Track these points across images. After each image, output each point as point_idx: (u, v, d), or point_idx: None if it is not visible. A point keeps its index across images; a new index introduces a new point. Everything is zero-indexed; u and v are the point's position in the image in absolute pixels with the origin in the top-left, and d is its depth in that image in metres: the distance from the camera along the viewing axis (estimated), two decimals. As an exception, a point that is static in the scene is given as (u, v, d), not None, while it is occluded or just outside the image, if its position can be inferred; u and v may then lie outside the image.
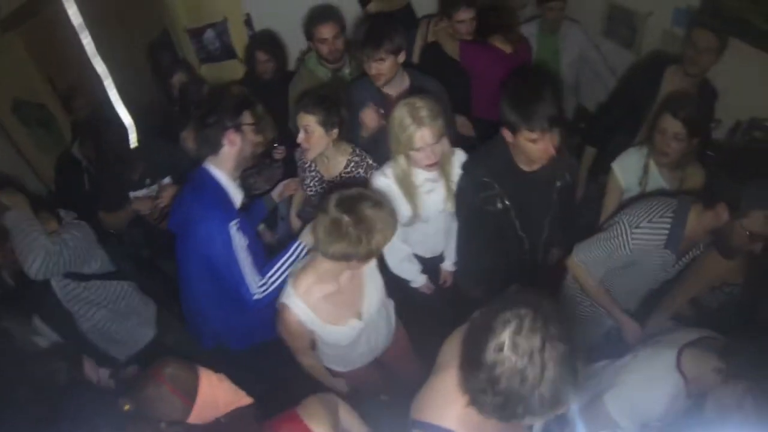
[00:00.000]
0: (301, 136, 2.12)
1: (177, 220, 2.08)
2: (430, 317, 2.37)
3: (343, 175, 2.22)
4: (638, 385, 1.54)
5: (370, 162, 2.21)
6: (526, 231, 2.03)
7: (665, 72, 2.45)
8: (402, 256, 2.24)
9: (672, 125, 1.99)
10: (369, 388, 2.21)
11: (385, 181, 2.04)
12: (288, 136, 2.63)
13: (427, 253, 2.34)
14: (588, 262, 1.93)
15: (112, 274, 2.31)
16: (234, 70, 3.46)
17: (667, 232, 1.74)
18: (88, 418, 1.44)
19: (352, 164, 2.22)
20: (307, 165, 2.34)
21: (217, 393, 1.59)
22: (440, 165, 1.97)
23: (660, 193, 2.13)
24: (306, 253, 1.98)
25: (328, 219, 1.59)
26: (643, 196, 2.10)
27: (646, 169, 2.15)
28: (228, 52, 3.45)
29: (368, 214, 1.59)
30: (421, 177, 2.03)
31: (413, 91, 2.25)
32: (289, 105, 2.69)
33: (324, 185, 2.30)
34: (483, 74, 2.64)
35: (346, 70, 2.73)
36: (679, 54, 2.43)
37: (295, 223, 2.55)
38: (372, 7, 3.04)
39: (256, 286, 1.95)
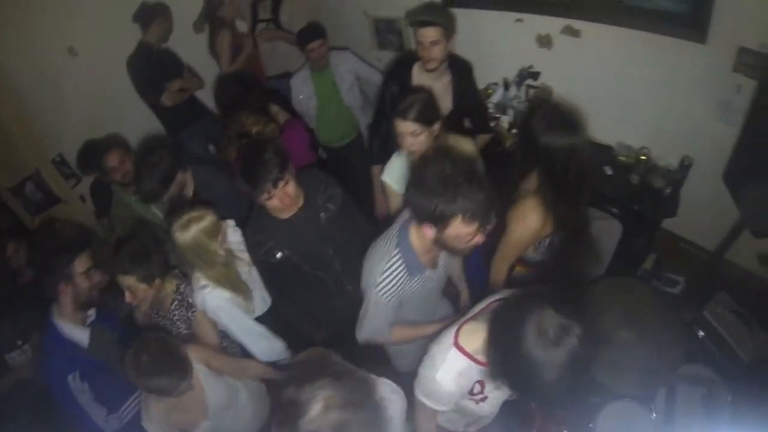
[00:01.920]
0: (127, 297, 2.12)
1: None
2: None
3: (171, 309, 2.25)
4: (425, 364, 1.49)
5: (189, 300, 2.25)
6: (319, 269, 2.15)
7: (413, 69, 2.57)
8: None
9: (406, 127, 2.07)
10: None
11: (205, 292, 2.14)
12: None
13: None
14: (369, 333, 1.86)
15: None
16: (63, 212, 3.51)
17: (403, 265, 1.68)
18: None
19: (176, 303, 2.24)
20: None
21: None
22: None
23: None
24: None
25: None
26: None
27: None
28: (52, 199, 3.51)
29: None
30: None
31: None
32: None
33: (159, 317, 2.33)
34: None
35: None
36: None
37: None
38: None
39: (104, 419, 2.14)
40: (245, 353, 2.30)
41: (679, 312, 2.78)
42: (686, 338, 2.22)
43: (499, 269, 2.07)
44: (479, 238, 1.51)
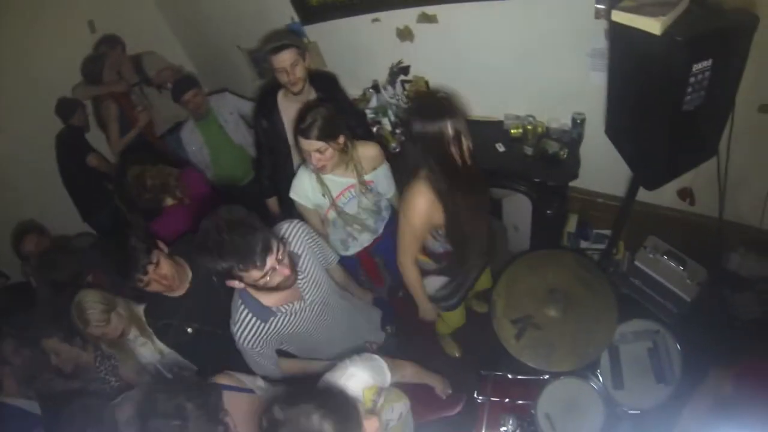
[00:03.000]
0: (53, 359, 2.24)
1: None
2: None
3: (96, 366, 2.28)
4: None
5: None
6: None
7: (278, 97, 2.48)
8: None
9: (311, 145, 2.02)
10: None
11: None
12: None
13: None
14: (261, 372, 1.80)
15: None
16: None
17: (250, 314, 1.64)
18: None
19: (98, 358, 2.27)
20: None
21: None
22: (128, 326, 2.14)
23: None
24: None
25: None
26: None
27: (320, 180, 2.17)
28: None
29: None
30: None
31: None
32: None
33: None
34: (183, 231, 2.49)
35: None
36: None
37: None
38: None
39: None
40: None
41: (608, 269, 2.72)
42: (617, 297, 2.14)
43: (403, 263, 2.05)
44: (282, 271, 1.49)
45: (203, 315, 2.01)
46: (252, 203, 3.22)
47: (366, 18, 2.68)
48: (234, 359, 2.15)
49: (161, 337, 2.11)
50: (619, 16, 1.59)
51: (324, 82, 2.48)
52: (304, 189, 2.25)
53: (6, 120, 3.33)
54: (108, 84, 3.39)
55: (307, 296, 1.74)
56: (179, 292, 1.99)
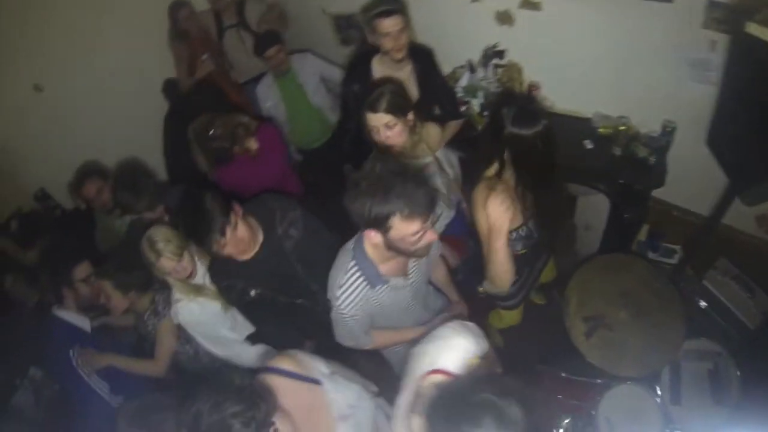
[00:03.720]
0: (102, 298, 2.27)
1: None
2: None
3: (144, 320, 2.35)
4: None
5: (159, 309, 2.32)
6: (294, 296, 2.05)
7: (372, 63, 2.48)
8: None
9: (379, 119, 2.00)
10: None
11: (178, 308, 2.21)
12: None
13: None
14: (347, 342, 1.82)
15: None
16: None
17: (362, 278, 1.60)
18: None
19: (147, 319, 2.34)
20: None
21: None
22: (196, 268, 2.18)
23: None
24: None
25: None
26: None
27: None
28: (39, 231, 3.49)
29: None
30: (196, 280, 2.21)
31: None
32: None
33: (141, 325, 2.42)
34: (245, 185, 2.53)
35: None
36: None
37: None
38: None
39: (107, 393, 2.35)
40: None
41: (678, 284, 2.67)
42: (687, 313, 2.11)
43: (498, 261, 1.86)
44: (429, 236, 1.44)
45: (268, 280, 1.98)
46: (318, 168, 3.31)
47: (465, -5, 2.65)
48: (290, 328, 2.22)
49: (224, 296, 2.14)
50: (754, 29, 1.58)
51: (421, 54, 2.45)
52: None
53: (82, 63, 3.39)
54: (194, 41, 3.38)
55: (410, 276, 1.73)
56: (247, 255, 1.92)
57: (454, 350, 1.32)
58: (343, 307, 1.61)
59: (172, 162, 3.54)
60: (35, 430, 2.69)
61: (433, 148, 2.23)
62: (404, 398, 1.35)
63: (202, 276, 2.21)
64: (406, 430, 1.31)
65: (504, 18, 2.60)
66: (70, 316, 2.40)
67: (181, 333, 2.33)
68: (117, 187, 2.61)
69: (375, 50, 2.40)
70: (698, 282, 2.60)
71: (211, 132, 2.42)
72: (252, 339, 2.34)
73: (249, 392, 1.18)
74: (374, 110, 2.00)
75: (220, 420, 1.12)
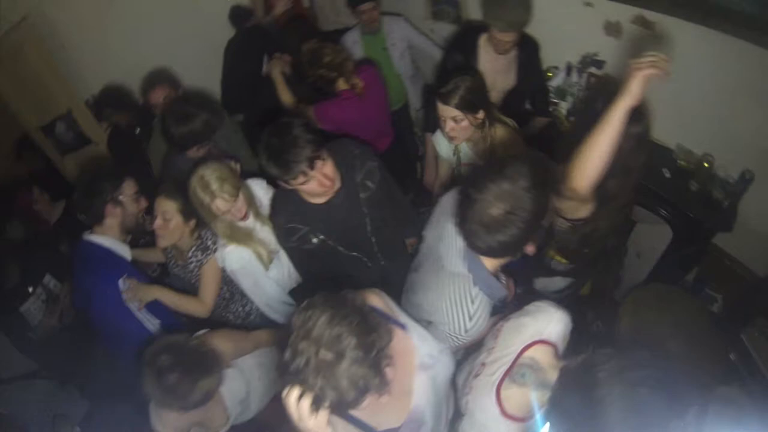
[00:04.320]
0: (157, 222, 2.07)
1: (80, 296, 2.21)
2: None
3: (187, 263, 2.19)
4: None
5: (208, 243, 2.18)
6: (355, 250, 2.02)
7: (479, 40, 2.46)
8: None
9: (447, 112, 1.98)
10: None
11: (227, 252, 2.09)
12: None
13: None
14: None
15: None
16: (93, 153, 3.46)
17: (485, 298, 1.49)
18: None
19: (192, 256, 2.18)
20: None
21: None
22: (249, 209, 2.04)
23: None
24: None
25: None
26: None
27: (456, 146, 2.20)
28: (83, 139, 3.45)
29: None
30: (246, 224, 2.09)
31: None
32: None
33: (178, 267, 2.28)
34: (348, 124, 2.49)
35: None
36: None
37: None
38: None
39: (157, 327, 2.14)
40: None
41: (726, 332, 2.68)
42: (724, 358, 2.12)
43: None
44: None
45: (335, 228, 1.90)
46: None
47: (579, -1, 2.61)
48: (337, 277, 2.11)
49: (281, 238, 2.00)
50: None
51: (528, 45, 2.45)
52: (445, 144, 2.25)
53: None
54: None
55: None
56: (321, 199, 1.83)
57: (557, 323, 1.35)
58: (470, 334, 1.50)
59: (231, 92, 3.43)
60: (37, 346, 2.59)
61: (507, 152, 2.16)
62: (496, 366, 1.35)
63: (252, 221, 2.12)
64: (493, 398, 1.31)
65: (613, 29, 2.57)
66: (110, 241, 2.13)
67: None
68: (168, 118, 2.42)
69: (484, 28, 2.37)
70: (735, 334, 2.61)
71: (325, 59, 2.29)
72: (295, 294, 2.26)
73: (367, 316, 1.13)
74: (445, 102, 1.96)
75: (336, 335, 1.05)
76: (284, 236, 1.96)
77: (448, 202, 1.60)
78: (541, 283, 2.24)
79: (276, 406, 1.85)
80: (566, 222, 1.88)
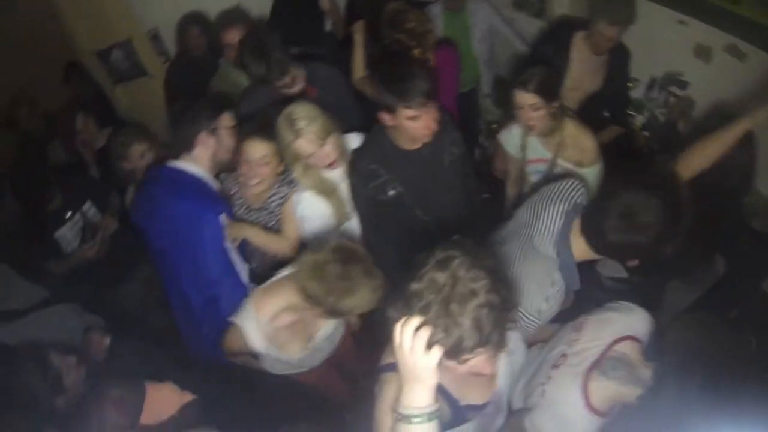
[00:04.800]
0: (254, 170, 1.97)
1: (141, 216, 2.04)
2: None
3: (267, 202, 2.12)
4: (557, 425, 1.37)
5: (289, 187, 2.10)
6: (428, 214, 2.00)
7: (573, 38, 2.45)
8: None
9: (525, 98, 1.98)
10: (331, 393, 2.04)
11: (303, 195, 2.03)
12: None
13: None
14: None
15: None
16: (147, 86, 3.41)
17: (563, 283, 1.49)
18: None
19: (275, 192, 2.10)
20: (232, 192, 2.17)
21: (163, 401, 1.56)
22: (340, 160, 1.98)
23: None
24: None
25: (318, 257, 1.51)
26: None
27: (524, 141, 2.18)
28: (139, 70, 3.39)
29: (355, 275, 1.50)
30: (332, 175, 2.03)
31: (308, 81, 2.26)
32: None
33: (251, 212, 2.18)
34: None
35: None
36: (586, 19, 2.43)
37: None
38: None
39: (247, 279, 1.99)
40: None
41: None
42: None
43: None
44: None
45: (413, 183, 1.88)
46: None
47: (673, 15, 2.56)
48: (400, 244, 2.07)
49: (358, 187, 1.95)
50: None
51: (621, 52, 2.45)
52: (513, 134, 2.24)
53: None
54: None
55: None
56: (414, 145, 1.85)
57: (644, 322, 1.44)
58: (542, 317, 1.49)
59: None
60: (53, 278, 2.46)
61: (573, 157, 2.13)
62: (581, 358, 1.37)
63: (340, 174, 2.04)
64: (578, 388, 1.30)
65: (702, 52, 2.53)
66: (202, 172, 1.98)
67: None
68: (243, 52, 2.28)
69: (581, 25, 2.35)
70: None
71: (408, 24, 2.18)
72: None
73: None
74: (524, 88, 1.96)
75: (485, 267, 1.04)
76: (362, 182, 1.92)
77: (554, 188, 1.59)
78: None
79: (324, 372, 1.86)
80: None
